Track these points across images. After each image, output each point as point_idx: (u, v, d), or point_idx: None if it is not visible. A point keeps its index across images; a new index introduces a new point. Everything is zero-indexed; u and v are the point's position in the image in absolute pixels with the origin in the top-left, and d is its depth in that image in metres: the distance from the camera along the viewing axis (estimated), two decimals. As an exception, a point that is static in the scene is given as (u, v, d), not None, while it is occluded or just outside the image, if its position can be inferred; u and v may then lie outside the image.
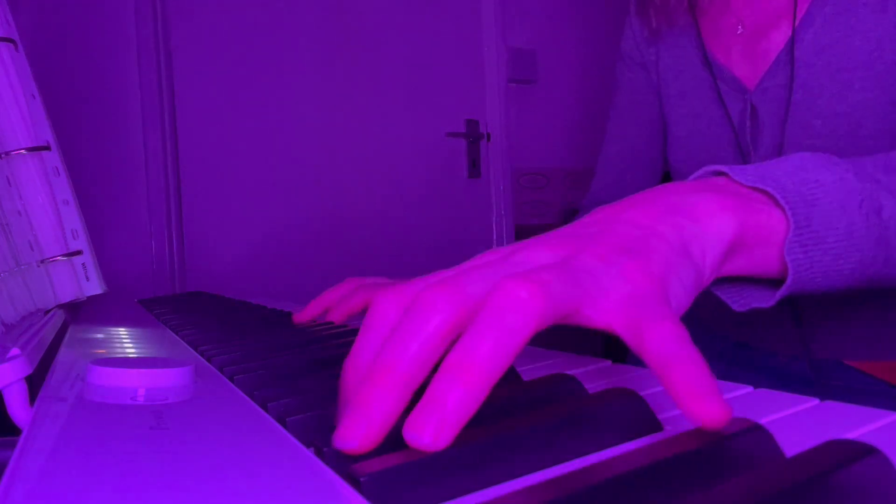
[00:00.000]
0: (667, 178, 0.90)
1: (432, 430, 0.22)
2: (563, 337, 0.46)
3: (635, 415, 0.25)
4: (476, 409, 0.23)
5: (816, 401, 0.27)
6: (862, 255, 0.36)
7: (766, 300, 0.38)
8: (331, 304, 0.64)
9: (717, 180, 0.36)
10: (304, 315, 0.62)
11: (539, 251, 0.29)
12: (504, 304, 0.24)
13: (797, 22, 0.66)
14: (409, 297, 0.27)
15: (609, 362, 0.39)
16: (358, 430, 0.22)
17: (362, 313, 0.68)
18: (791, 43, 0.66)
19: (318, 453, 0.22)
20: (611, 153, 0.89)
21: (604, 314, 0.26)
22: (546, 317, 0.24)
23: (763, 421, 0.22)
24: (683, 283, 0.29)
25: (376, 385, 0.24)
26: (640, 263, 0.28)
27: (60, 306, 0.66)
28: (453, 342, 0.25)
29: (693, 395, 0.22)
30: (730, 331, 0.78)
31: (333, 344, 0.45)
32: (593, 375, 0.36)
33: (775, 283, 0.37)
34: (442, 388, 0.23)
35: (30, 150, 0.62)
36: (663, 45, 0.81)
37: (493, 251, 0.31)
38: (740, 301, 0.39)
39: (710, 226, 0.32)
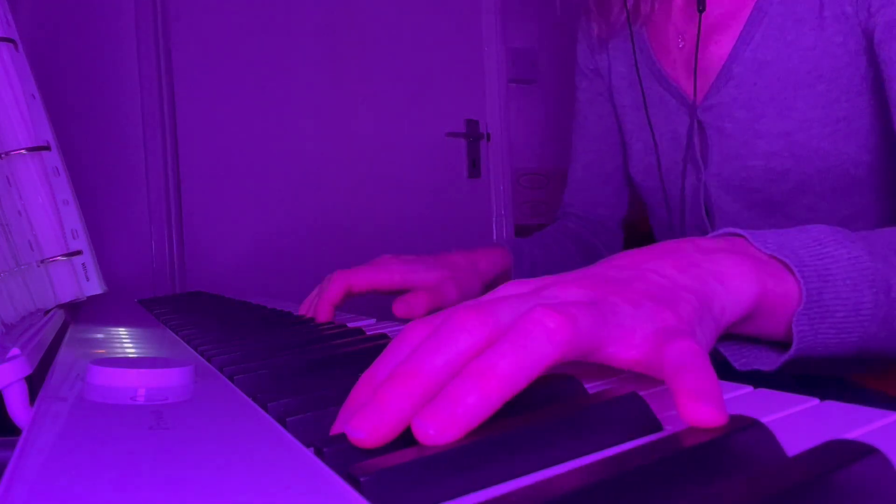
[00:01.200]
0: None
1: (439, 425, 0.22)
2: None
3: (635, 415, 0.25)
4: (485, 417, 0.23)
5: (816, 401, 0.27)
6: (865, 331, 0.37)
7: (767, 363, 0.38)
8: (310, 303, 0.64)
9: (737, 241, 0.36)
10: None
11: (569, 289, 0.30)
12: (531, 330, 0.24)
13: (736, 38, 0.65)
14: (439, 321, 0.27)
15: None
16: (368, 423, 0.23)
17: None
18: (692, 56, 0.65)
19: (318, 453, 0.22)
20: (578, 167, 0.89)
21: (629, 349, 0.27)
22: (570, 349, 0.25)
23: (764, 420, 0.22)
24: (706, 335, 0.30)
25: (395, 386, 0.24)
26: (668, 309, 0.29)
27: (60, 306, 0.66)
28: None
29: (692, 396, 0.22)
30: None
31: (333, 344, 0.45)
32: (593, 375, 0.36)
33: (776, 344, 0.39)
34: (458, 389, 0.23)
35: (30, 150, 0.62)
36: (613, 52, 0.80)
37: (522, 283, 0.32)
38: (742, 361, 0.40)
39: (733, 289, 0.33)
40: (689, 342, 0.25)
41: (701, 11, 0.65)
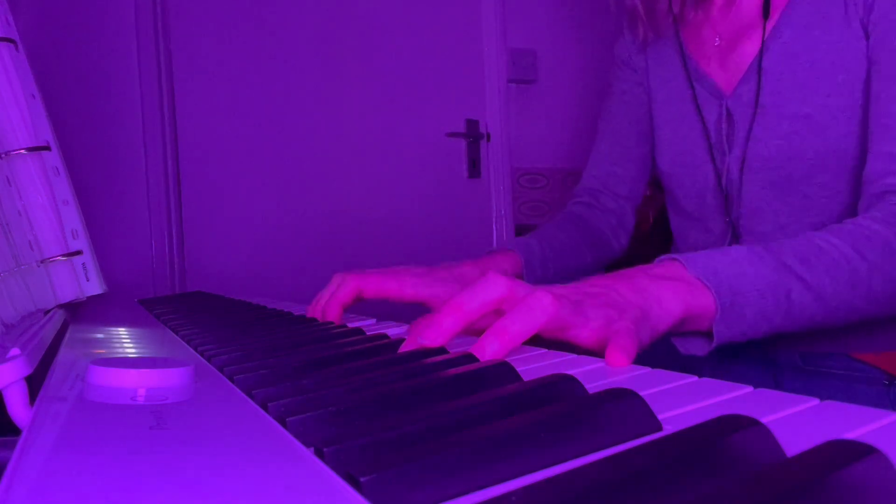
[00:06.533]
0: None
1: (490, 351, 0.38)
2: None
3: (635, 415, 0.25)
4: (505, 353, 0.38)
5: (816, 401, 0.27)
6: (771, 325, 0.52)
7: (701, 350, 0.53)
8: (322, 302, 0.63)
9: (675, 266, 0.50)
10: None
11: (562, 291, 0.43)
12: (533, 302, 0.40)
13: (767, 34, 0.73)
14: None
15: (609, 362, 0.39)
16: (430, 334, 0.40)
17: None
18: (760, 53, 0.73)
19: (318, 453, 0.22)
20: (603, 148, 0.95)
21: (587, 336, 0.42)
22: (554, 319, 0.40)
23: (763, 420, 0.22)
24: (640, 336, 0.43)
25: (447, 314, 0.40)
26: (619, 314, 0.43)
27: (60, 306, 0.66)
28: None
29: (616, 349, 0.38)
30: None
31: (333, 344, 0.45)
32: (593, 375, 0.36)
33: (708, 334, 0.52)
34: (488, 339, 0.38)
35: (30, 150, 0.62)
36: (652, 52, 0.87)
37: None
38: (685, 348, 0.54)
39: (666, 307, 0.47)
40: (628, 324, 0.42)
41: (766, 18, 0.73)
